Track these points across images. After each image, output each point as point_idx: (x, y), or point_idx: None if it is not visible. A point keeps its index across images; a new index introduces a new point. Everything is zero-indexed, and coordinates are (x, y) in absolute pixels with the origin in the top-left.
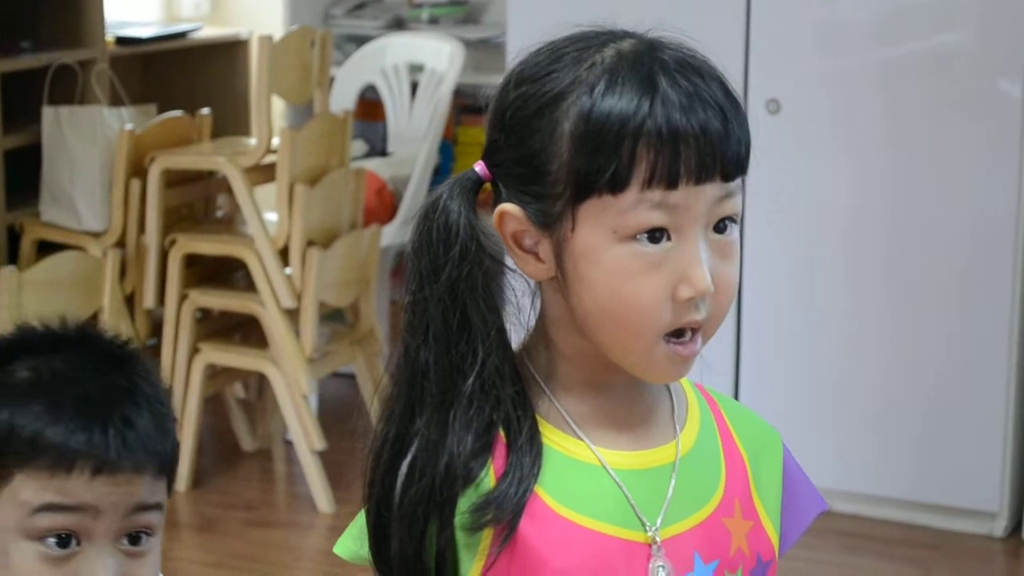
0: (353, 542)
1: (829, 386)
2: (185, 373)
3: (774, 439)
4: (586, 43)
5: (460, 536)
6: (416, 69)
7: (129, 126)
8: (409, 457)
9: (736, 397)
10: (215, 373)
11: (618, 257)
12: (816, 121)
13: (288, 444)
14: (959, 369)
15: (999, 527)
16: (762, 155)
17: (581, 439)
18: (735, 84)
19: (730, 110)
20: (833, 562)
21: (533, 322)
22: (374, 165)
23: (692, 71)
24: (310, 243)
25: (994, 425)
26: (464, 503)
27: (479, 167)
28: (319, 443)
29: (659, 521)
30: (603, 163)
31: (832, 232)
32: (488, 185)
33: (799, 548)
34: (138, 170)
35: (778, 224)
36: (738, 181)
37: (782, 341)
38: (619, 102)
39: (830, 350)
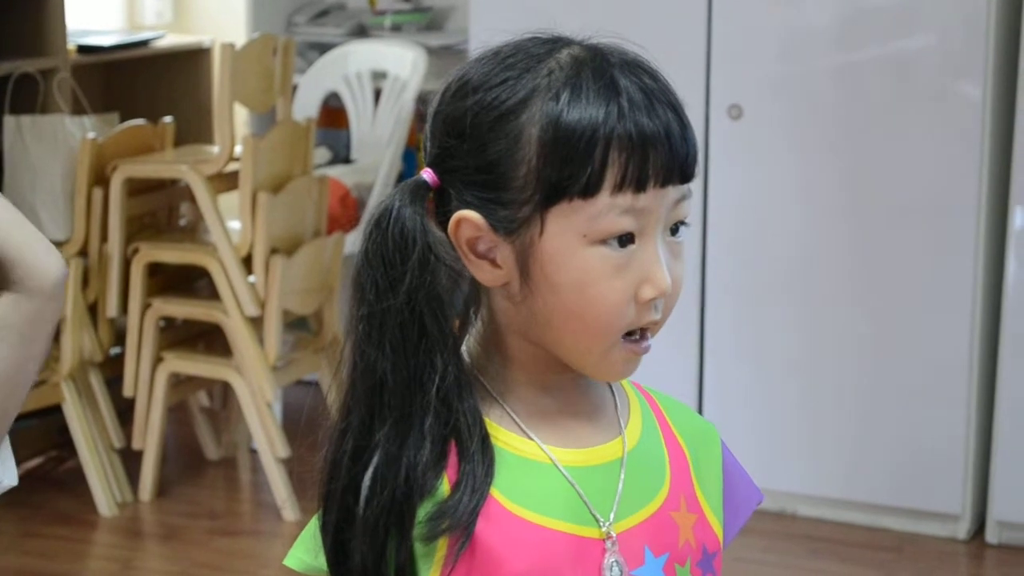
0: (305, 553)
1: (793, 391)
2: (149, 382)
3: (712, 433)
4: (534, 50)
5: (417, 546)
6: (379, 76)
7: (91, 135)
8: (370, 470)
9: (700, 403)
10: (179, 382)
11: (586, 260)
12: (778, 126)
13: (253, 453)
14: (921, 372)
15: (962, 529)
16: (724, 160)
17: (531, 439)
18: (696, 89)
19: (682, 111)
20: (798, 566)
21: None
22: (338, 172)
23: (643, 72)
24: (274, 251)
25: (956, 428)
26: (421, 513)
27: (427, 174)
28: (283, 451)
29: (612, 516)
30: (575, 169)
31: (794, 236)
32: (432, 193)
33: (763, 552)
34: (100, 179)
35: (742, 227)
36: (692, 183)
37: (745, 346)
38: (588, 108)
39: (793, 355)
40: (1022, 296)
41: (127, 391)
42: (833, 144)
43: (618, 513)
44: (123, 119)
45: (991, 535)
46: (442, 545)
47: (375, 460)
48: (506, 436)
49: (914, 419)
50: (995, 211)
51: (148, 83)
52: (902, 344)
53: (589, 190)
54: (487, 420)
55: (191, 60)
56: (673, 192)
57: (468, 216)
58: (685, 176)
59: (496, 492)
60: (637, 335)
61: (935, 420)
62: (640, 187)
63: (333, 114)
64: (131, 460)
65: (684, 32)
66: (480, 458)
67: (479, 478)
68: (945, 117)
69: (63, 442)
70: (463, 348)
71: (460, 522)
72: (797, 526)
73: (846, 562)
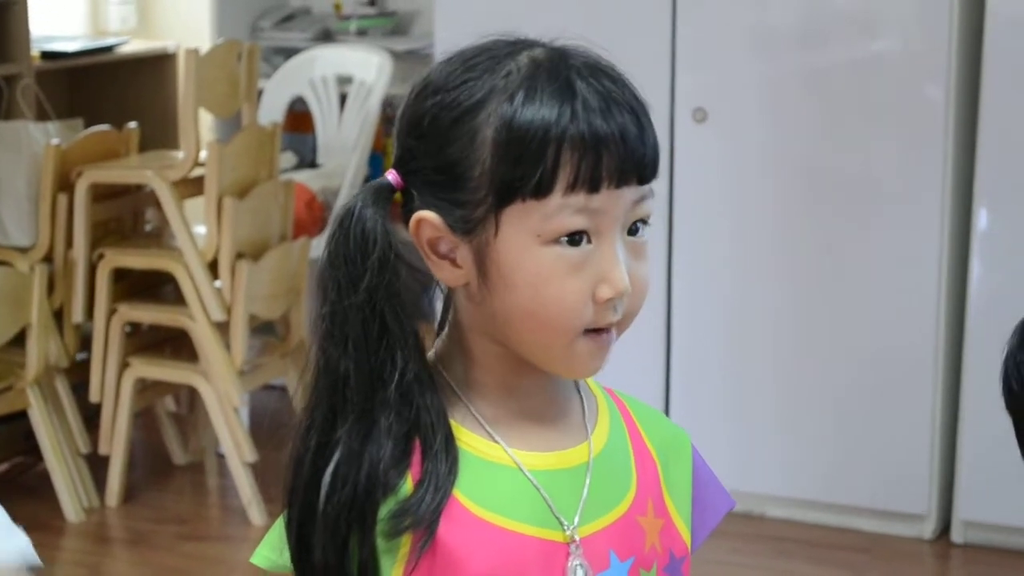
0: (271, 551)
1: (762, 393)
2: (115, 387)
3: (683, 439)
4: (497, 52)
5: (380, 543)
6: (344, 81)
7: (55, 141)
8: (332, 466)
9: (668, 405)
10: (145, 387)
11: (541, 260)
12: (743, 129)
13: (220, 457)
14: (887, 375)
15: (928, 529)
16: (689, 163)
17: (497, 442)
18: (661, 92)
19: (643, 113)
20: (765, 567)
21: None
22: (304, 177)
23: (604, 75)
24: (239, 256)
25: (922, 428)
26: (383, 510)
27: (391, 175)
28: (251, 455)
29: (576, 520)
30: (527, 170)
31: (761, 238)
32: (398, 193)
33: (732, 553)
34: (65, 184)
35: (708, 231)
36: (652, 184)
37: (714, 349)
38: (541, 109)
39: (761, 356)
40: (986, 298)
41: (93, 396)
42: (798, 146)
43: (583, 517)
44: (87, 125)
45: (956, 535)
46: (405, 543)
47: (336, 456)
48: (471, 438)
49: (880, 421)
50: (959, 213)
51: (112, 89)
52: (868, 346)
53: (541, 190)
54: (452, 421)
55: (155, 66)
56: (630, 193)
57: (427, 217)
58: (643, 178)
59: (459, 494)
60: (599, 330)
61: (901, 422)
62: (593, 188)
63: (299, 118)
64: (98, 465)
65: (649, 35)
66: (443, 456)
67: (442, 476)
68: (909, 119)
69: (29, 448)
70: (435, 348)
71: (422, 520)
72: (766, 527)
73: (815, 563)
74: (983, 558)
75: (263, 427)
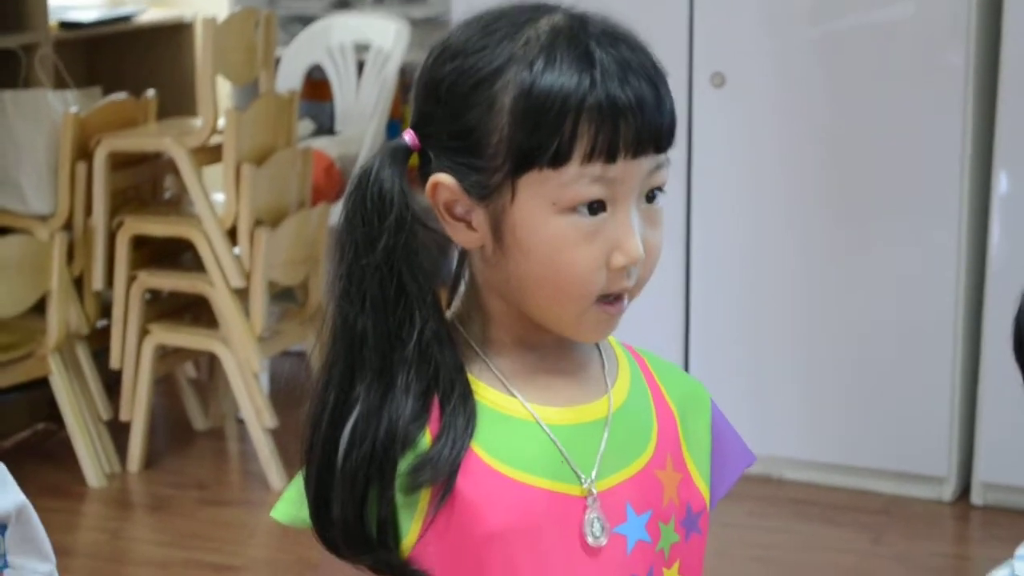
0: (291, 506)
1: (778, 355)
2: (135, 354)
3: (702, 394)
4: (516, 17)
5: (399, 497)
6: (362, 48)
7: (74, 109)
8: (350, 423)
9: (687, 368)
10: (166, 354)
11: (556, 228)
12: (761, 94)
13: (240, 423)
14: (906, 335)
15: (947, 492)
16: (707, 128)
17: (514, 396)
18: (679, 57)
19: (661, 82)
20: (783, 529)
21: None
22: (322, 144)
23: (623, 44)
24: (258, 223)
25: (942, 390)
26: (403, 465)
27: (408, 136)
28: (271, 421)
29: (594, 474)
30: (544, 139)
31: (779, 203)
32: (415, 154)
33: (750, 516)
34: (84, 153)
35: (726, 194)
36: (669, 152)
37: (733, 313)
38: (560, 78)
39: (779, 319)
40: (1006, 260)
41: (114, 363)
42: (816, 112)
43: (600, 471)
44: (106, 93)
45: (976, 497)
46: (424, 497)
47: (355, 413)
48: (488, 392)
49: (900, 383)
50: (979, 177)
51: (130, 58)
52: (888, 308)
53: (558, 160)
54: (470, 376)
55: (173, 34)
56: (647, 162)
57: (443, 180)
58: (660, 147)
59: (477, 448)
60: (612, 298)
61: (921, 384)
62: (610, 158)
63: (317, 86)
64: (119, 432)
65: (667, 1)
66: (461, 410)
67: (459, 430)
68: (929, 83)
69: (51, 415)
70: (452, 307)
71: (440, 473)
72: (784, 490)
73: (833, 525)
74: (1003, 520)
75: (283, 393)
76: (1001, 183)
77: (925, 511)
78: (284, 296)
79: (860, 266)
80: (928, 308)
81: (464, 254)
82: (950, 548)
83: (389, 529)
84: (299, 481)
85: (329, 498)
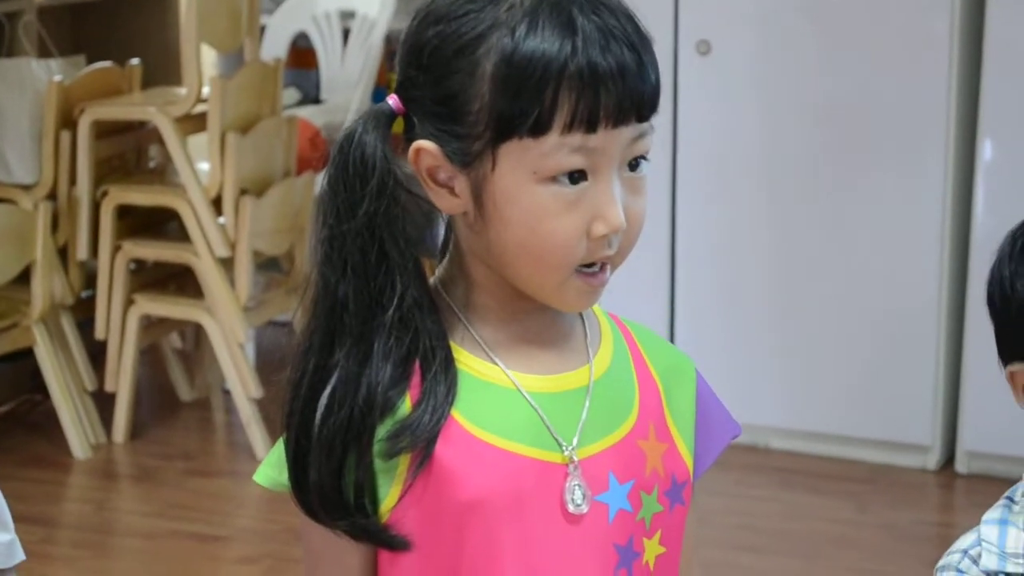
0: (272, 470)
1: (763, 323)
2: (120, 324)
3: (687, 365)
4: None
5: (377, 463)
6: (347, 16)
7: (58, 77)
8: (329, 388)
9: (672, 337)
10: (151, 324)
11: (537, 197)
12: (746, 62)
13: (226, 393)
14: (891, 303)
15: (932, 460)
16: (693, 96)
17: (495, 363)
18: (665, 25)
19: (644, 50)
20: (769, 497)
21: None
22: (307, 113)
23: (607, 10)
24: (243, 192)
25: (926, 359)
26: (381, 431)
27: (392, 100)
28: (256, 391)
29: (575, 441)
30: (525, 107)
31: (763, 170)
32: (400, 119)
33: (736, 484)
34: (68, 122)
35: (711, 162)
36: (652, 121)
37: (717, 281)
38: (541, 44)
39: (764, 289)
40: (990, 228)
41: (99, 334)
42: (801, 79)
43: (582, 439)
44: (90, 62)
45: (960, 465)
46: (402, 462)
47: (334, 379)
48: (470, 359)
49: (885, 353)
50: (963, 144)
51: (114, 26)
52: (873, 277)
53: (539, 129)
54: (452, 343)
55: (157, 2)
56: (628, 131)
57: (425, 146)
58: (642, 116)
59: (457, 414)
60: (597, 267)
61: (905, 353)
62: (591, 127)
63: (302, 54)
64: (104, 402)
65: None
66: (442, 377)
67: (440, 397)
68: (913, 51)
69: (36, 386)
70: (436, 272)
71: (419, 440)
72: (770, 459)
73: (819, 494)
74: (987, 488)
75: (269, 363)
76: (985, 151)
77: (910, 480)
78: (269, 266)
79: (847, 235)
80: (913, 277)
81: (451, 220)
82: (935, 516)
83: (366, 494)
84: (280, 446)
85: (307, 463)
